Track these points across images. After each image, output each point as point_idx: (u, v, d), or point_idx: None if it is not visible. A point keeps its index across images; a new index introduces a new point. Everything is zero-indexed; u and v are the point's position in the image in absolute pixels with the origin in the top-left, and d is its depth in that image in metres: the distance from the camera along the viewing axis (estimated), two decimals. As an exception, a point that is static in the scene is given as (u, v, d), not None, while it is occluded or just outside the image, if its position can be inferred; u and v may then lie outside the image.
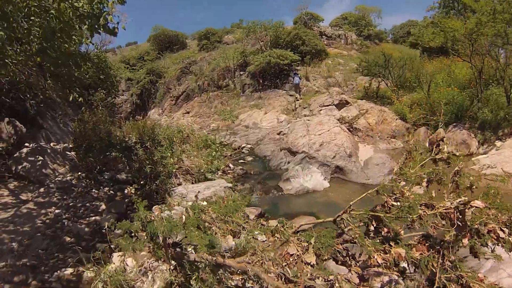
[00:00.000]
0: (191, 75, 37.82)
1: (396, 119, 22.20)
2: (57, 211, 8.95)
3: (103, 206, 9.47)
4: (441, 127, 18.65)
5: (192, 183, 10.04)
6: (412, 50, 41.18)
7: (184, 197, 8.72)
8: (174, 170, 9.74)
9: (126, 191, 10.53)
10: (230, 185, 9.69)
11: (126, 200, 9.93)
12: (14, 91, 12.85)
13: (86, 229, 8.37)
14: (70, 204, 9.48)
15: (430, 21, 42.55)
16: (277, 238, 5.72)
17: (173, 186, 9.44)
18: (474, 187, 5.09)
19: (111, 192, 10.41)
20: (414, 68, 26.59)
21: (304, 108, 24.41)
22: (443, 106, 19.40)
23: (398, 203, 5.01)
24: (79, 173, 11.21)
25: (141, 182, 10.42)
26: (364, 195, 5.56)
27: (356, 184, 13.48)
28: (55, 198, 9.76)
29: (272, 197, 11.97)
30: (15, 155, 11.01)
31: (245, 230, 5.71)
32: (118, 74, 36.03)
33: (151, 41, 49.12)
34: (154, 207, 8.50)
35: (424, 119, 20.49)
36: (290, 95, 28.70)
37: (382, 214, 5.06)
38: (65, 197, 9.88)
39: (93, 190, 10.39)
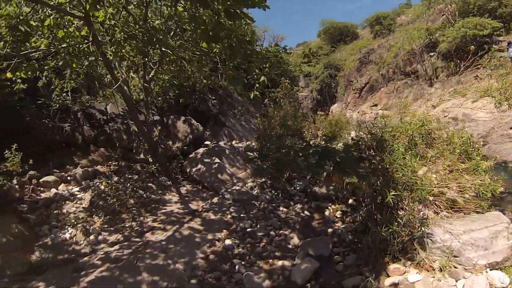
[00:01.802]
0: (371, 64, 32.09)
1: None
2: (228, 242, 5.57)
3: (295, 240, 5.64)
4: None
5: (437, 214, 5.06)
6: None
7: (452, 254, 4.00)
8: (430, 198, 4.93)
9: (327, 213, 6.45)
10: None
11: (329, 230, 5.80)
12: (196, 93, 11.38)
13: (267, 281, 4.61)
14: (248, 229, 6.01)
15: None
16: None
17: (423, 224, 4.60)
18: None
19: (306, 212, 6.52)
20: None
21: (533, 89, 15.70)
22: None
23: None
24: (263, 179, 7.76)
25: (350, 202, 6.19)
26: None
27: None
28: (229, 216, 6.46)
29: None
30: (190, 156, 8.46)
31: None
32: (296, 70, 32.95)
33: (321, 36, 45.19)
34: (391, 266, 4.13)
35: None
36: (500, 76, 19.72)
37: None
38: (242, 215, 6.52)
39: (280, 208, 6.71)
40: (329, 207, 6.80)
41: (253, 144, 9.42)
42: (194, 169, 8.05)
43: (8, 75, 6.11)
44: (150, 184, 7.88)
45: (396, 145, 5.93)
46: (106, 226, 6.41)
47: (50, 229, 6.33)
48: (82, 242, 6.00)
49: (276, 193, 7.35)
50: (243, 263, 5.10)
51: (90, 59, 7.26)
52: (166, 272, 4.80)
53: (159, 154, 8.19)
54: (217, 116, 11.34)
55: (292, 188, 7.52)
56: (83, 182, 7.91)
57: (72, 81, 8.85)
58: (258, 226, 6.10)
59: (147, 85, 8.16)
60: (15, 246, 5.73)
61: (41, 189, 7.75)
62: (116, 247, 5.67)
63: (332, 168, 5.26)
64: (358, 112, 26.60)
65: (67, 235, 6.12)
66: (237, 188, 7.41)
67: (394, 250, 4.51)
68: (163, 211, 6.94)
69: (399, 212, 4.93)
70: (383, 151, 5.83)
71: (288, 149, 7.12)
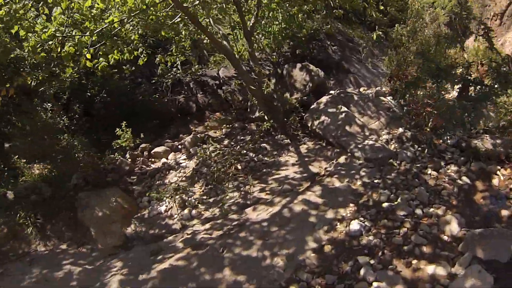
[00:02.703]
0: None
1: None
2: (354, 225, 3.52)
3: (454, 226, 3.28)
4: None
5: None
6: None
7: None
8: None
9: (495, 181, 3.92)
10: None
11: (504, 212, 3.16)
12: (313, 41, 9.28)
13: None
14: (383, 203, 3.82)
15: None
16: None
17: None
18: None
19: (464, 179, 4.05)
20: None
21: None
22: None
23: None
24: (401, 129, 5.24)
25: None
26: None
27: None
28: (358, 182, 4.32)
29: None
30: (312, 107, 6.46)
31: None
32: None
33: None
34: None
35: None
36: None
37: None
38: (376, 180, 4.31)
39: (428, 170, 4.30)
40: (498, 172, 4.02)
41: (384, 89, 6.84)
42: (316, 122, 5.99)
43: (88, 61, 5.15)
44: (264, 144, 6.23)
45: None
46: (205, 197, 5.09)
47: (149, 201, 5.44)
48: (176, 216, 4.87)
49: (419, 149, 4.81)
50: (372, 262, 2.99)
51: (175, 22, 6.10)
52: (257, 270, 3.04)
53: (274, 109, 6.41)
54: (340, 63, 8.90)
55: (441, 141, 4.78)
56: (191, 150, 6.77)
57: (180, 55, 8.03)
58: (399, 199, 3.75)
59: (250, 34, 6.47)
60: (112, 219, 5.03)
61: (153, 159, 7.00)
62: (207, 225, 4.20)
63: None
64: (501, 44, 19.26)
65: (163, 208, 5.12)
66: (370, 143, 5.05)
67: None
68: (276, 176, 5.18)
69: None
70: None
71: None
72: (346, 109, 5.93)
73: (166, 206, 5.10)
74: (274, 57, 9.30)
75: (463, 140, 4.73)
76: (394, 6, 11.91)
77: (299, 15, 8.45)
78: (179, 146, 7.25)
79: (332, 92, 7.03)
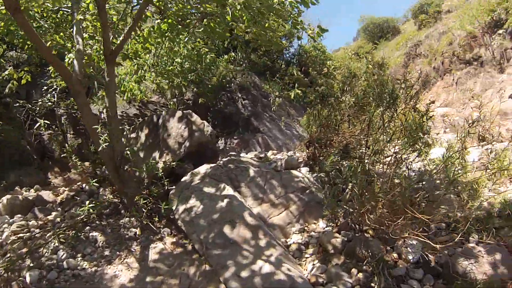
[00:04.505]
0: (420, 58, 24.50)
1: None
2: None
3: None
4: None
5: None
6: None
7: None
8: None
9: None
10: None
11: None
12: (222, 92, 7.46)
13: None
14: None
15: None
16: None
17: None
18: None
19: None
20: None
21: None
22: None
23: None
24: (323, 224, 3.14)
25: None
26: None
27: None
28: None
29: None
30: (183, 179, 3.93)
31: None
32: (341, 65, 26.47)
33: (360, 34, 37.07)
34: None
35: None
36: None
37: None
38: None
39: None
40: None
41: (298, 154, 4.65)
42: (181, 208, 3.49)
43: None
44: (97, 233, 3.51)
45: None
46: None
47: None
48: None
49: (362, 270, 2.51)
50: None
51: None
52: None
53: (124, 176, 3.81)
54: (249, 120, 6.79)
55: (395, 255, 2.60)
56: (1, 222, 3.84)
57: (58, 80, 5.57)
58: None
59: (113, 57, 3.95)
60: None
61: None
62: None
63: None
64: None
65: None
66: (266, 269, 2.50)
67: None
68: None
69: None
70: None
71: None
72: (231, 191, 3.54)
73: None
74: (172, 103, 6.90)
75: (425, 253, 2.58)
76: (316, 69, 10.67)
77: (208, 56, 6.38)
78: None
79: (228, 158, 4.72)
